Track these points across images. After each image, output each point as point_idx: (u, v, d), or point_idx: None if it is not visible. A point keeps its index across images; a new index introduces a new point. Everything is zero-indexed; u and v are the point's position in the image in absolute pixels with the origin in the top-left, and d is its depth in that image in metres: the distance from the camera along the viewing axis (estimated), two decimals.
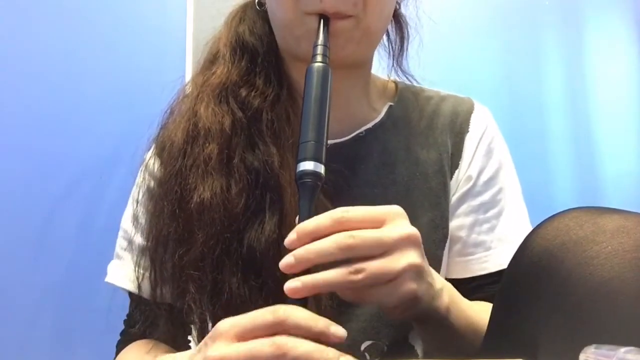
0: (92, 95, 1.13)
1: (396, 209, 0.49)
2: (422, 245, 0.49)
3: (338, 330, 0.43)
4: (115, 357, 0.72)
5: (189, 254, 0.61)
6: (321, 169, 0.51)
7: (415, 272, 0.48)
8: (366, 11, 0.63)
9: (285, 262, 0.46)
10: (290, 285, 0.44)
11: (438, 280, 0.55)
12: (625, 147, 1.47)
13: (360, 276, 0.45)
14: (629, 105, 1.50)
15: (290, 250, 0.46)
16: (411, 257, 0.47)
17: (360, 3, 0.62)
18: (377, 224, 0.48)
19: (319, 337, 0.42)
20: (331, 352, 0.41)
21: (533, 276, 0.50)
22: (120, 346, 0.73)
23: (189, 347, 0.71)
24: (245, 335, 0.43)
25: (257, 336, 0.42)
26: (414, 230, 0.48)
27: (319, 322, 0.42)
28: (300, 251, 0.45)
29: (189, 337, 0.71)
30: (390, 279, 0.46)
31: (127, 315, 0.75)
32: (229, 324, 0.43)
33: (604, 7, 1.50)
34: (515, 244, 0.54)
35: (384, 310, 0.53)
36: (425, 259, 0.50)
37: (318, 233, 0.46)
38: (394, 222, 0.48)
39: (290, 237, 0.47)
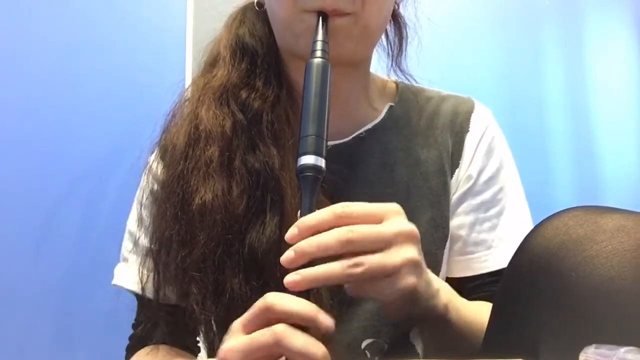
0: (92, 96, 1.13)
1: (395, 207, 0.50)
2: (420, 243, 0.50)
3: (327, 318, 0.44)
4: None
5: (191, 255, 0.62)
6: (322, 162, 0.51)
7: (414, 267, 0.49)
8: (365, 9, 0.63)
9: (286, 256, 0.46)
10: (290, 278, 0.45)
11: (435, 280, 0.56)
12: (625, 147, 1.47)
13: (359, 270, 0.45)
14: (628, 105, 1.50)
15: (291, 246, 0.47)
16: (409, 252, 0.48)
17: (359, 1, 0.62)
18: (377, 219, 0.48)
19: (308, 323, 0.43)
20: (326, 351, 0.42)
21: (533, 275, 0.50)
22: (130, 351, 0.73)
23: (197, 348, 0.71)
24: (249, 327, 0.44)
25: (257, 326, 0.44)
26: (412, 227, 0.49)
27: (307, 308, 0.44)
28: (302, 244, 0.46)
29: (198, 338, 0.72)
30: (389, 273, 0.47)
31: (135, 319, 0.75)
32: (238, 320, 0.45)
33: (604, 7, 1.50)
34: (517, 243, 0.54)
35: (383, 307, 0.53)
36: (423, 257, 0.51)
37: (319, 227, 0.47)
38: (393, 218, 0.49)
39: (292, 232, 0.47)
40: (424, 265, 0.51)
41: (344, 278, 0.46)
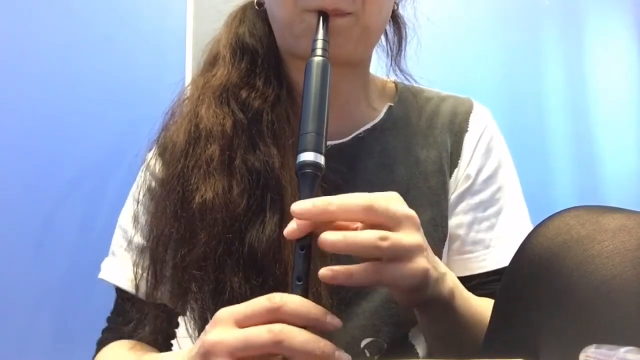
0: (93, 96, 1.13)
1: (395, 194, 0.50)
2: (421, 229, 0.50)
3: (334, 319, 0.44)
4: (95, 355, 0.71)
5: (191, 253, 0.62)
6: (321, 159, 0.51)
7: (423, 250, 0.49)
8: (365, 9, 0.63)
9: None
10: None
11: (441, 265, 0.55)
12: (625, 146, 1.48)
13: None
14: (628, 105, 1.50)
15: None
16: (418, 237, 0.48)
17: (359, 1, 0.62)
18: None
19: (315, 325, 0.43)
20: (327, 344, 0.42)
21: (534, 275, 0.50)
22: (101, 345, 0.71)
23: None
24: (244, 322, 0.44)
25: (254, 323, 0.43)
26: (414, 213, 0.49)
27: (315, 309, 0.43)
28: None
29: (172, 341, 0.71)
30: (407, 254, 0.47)
31: (112, 313, 0.74)
32: (228, 311, 0.45)
33: (604, 7, 1.51)
34: (515, 242, 0.54)
35: (395, 295, 0.53)
36: (426, 241, 0.51)
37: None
38: (396, 203, 0.49)
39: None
40: (429, 249, 0.51)
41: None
